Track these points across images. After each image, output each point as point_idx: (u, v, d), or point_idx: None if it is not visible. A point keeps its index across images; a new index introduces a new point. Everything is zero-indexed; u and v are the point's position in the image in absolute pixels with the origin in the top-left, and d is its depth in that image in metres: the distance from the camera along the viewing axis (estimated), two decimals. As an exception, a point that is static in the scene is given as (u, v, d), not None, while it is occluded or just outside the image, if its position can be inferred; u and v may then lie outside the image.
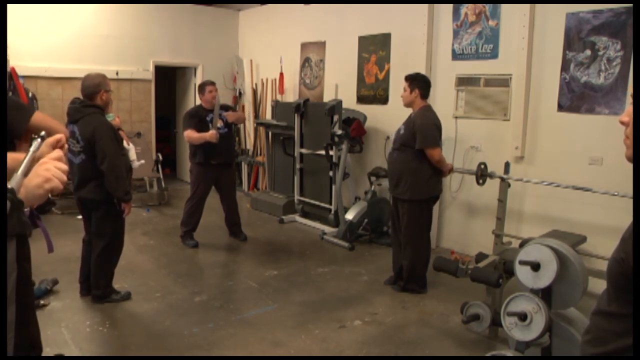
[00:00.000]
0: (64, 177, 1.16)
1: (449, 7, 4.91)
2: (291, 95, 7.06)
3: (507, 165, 4.14)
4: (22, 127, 2.25)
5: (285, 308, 3.60)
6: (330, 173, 5.44)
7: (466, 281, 3.14)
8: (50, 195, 2.42)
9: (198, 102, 5.07)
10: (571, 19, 4.03)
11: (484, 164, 4.18)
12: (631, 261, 0.97)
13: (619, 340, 1.02)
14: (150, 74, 7.36)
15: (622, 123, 1.09)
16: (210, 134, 4.60)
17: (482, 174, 4.14)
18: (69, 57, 6.42)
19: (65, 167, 1.17)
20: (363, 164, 5.89)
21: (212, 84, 4.87)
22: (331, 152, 5.31)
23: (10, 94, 5.47)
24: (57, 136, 1.26)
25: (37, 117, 2.35)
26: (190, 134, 4.68)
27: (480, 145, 4.76)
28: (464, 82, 4.82)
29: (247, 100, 7.89)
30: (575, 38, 4.02)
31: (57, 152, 1.20)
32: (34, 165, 1.15)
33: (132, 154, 3.86)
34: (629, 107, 1.08)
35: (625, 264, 0.99)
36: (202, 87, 4.89)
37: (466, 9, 4.77)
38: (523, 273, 2.41)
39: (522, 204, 4.47)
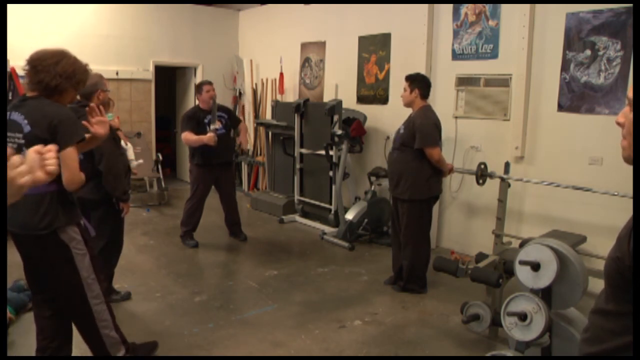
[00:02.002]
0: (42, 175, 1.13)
1: (449, 7, 4.91)
2: (291, 95, 7.06)
3: (507, 165, 4.14)
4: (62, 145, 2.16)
5: (285, 308, 3.60)
6: (330, 173, 5.44)
7: (466, 281, 3.14)
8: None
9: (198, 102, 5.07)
10: (571, 19, 4.03)
11: (484, 164, 4.18)
12: (627, 260, 0.97)
13: (617, 339, 1.02)
14: (150, 74, 7.36)
15: (618, 124, 1.09)
16: (208, 137, 4.58)
17: (482, 174, 4.14)
18: (69, 57, 6.42)
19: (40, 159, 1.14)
20: (363, 164, 5.89)
21: (210, 83, 4.86)
22: (331, 152, 5.31)
23: (10, 94, 5.47)
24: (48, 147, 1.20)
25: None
26: (187, 137, 4.67)
27: (480, 145, 4.76)
28: (464, 82, 4.82)
29: (247, 100, 7.89)
30: (575, 38, 4.02)
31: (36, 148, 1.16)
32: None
33: (130, 154, 3.86)
34: (625, 108, 1.08)
35: (621, 263, 0.99)
36: (199, 87, 4.88)
37: (466, 9, 4.77)
38: (523, 273, 2.41)
39: (522, 204, 4.47)
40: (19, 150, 2.14)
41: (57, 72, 2.19)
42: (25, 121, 2.15)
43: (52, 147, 1.19)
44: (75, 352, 2.88)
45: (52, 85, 2.19)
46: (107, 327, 2.44)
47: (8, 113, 2.23)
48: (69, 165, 2.17)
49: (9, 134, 2.19)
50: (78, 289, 2.33)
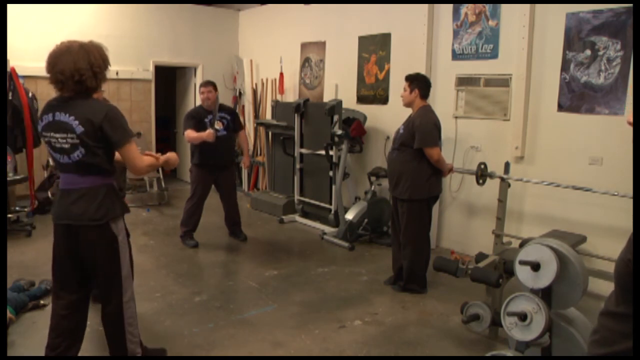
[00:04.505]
0: None
1: (449, 7, 4.91)
2: (291, 95, 7.06)
3: (507, 165, 4.14)
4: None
5: (285, 308, 3.60)
6: (330, 173, 5.44)
7: (466, 281, 3.14)
8: (50, 195, 2.44)
9: (198, 102, 5.08)
10: (571, 19, 4.03)
11: (484, 164, 4.18)
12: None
13: (627, 341, 1.01)
14: (150, 74, 7.36)
15: (630, 124, 1.09)
16: (207, 133, 4.59)
17: (482, 174, 4.15)
18: (69, 57, 6.42)
19: None
20: (363, 164, 5.89)
21: (206, 85, 4.85)
22: (331, 152, 5.31)
23: (10, 94, 5.47)
24: None
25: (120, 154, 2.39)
26: (189, 134, 4.68)
27: (480, 145, 4.76)
28: (464, 82, 4.82)
29: (247, 100, 7.89)
30: (575, 38, 4.02)
31: None
32: None
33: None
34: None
35: (632, 265, 0.99)
36: (199, 88, 4.94)
37: (466, 9, 4.77)
38: (523, 273, 2.42)
39: (522, 204, 4.47)
40: (74, 149, 2.23)
41: (95, 71, 2.29)
42: (76, 122, 2.22)
43: None
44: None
45: (98, 83, 2.33)
46: (132, 324, 2.50)
47: (50, 114, 2.27)
48: (132, 158, 2.33)
49: (57, 134, 2.24)
50: (116, 283, 2.40)
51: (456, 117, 4.90)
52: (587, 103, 3.99)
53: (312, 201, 5.89)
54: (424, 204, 3.81)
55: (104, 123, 2.23)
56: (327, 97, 6.31)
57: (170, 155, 2.62)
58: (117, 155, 2.41)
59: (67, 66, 2.22)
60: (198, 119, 4.75)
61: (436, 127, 3.76)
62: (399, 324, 3.41)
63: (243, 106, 7.99)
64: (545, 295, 2.39)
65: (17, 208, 5.56)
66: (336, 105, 5.25)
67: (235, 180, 5.38)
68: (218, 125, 4.75)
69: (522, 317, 2.32)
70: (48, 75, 2.28)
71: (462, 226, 4.99)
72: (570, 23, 4.03)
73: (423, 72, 4.67)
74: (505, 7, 4.47)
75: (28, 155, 5.71)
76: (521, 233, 4.28)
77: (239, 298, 3.85)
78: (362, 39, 5.88)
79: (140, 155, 2.40)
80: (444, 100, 4.94)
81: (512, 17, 4.41)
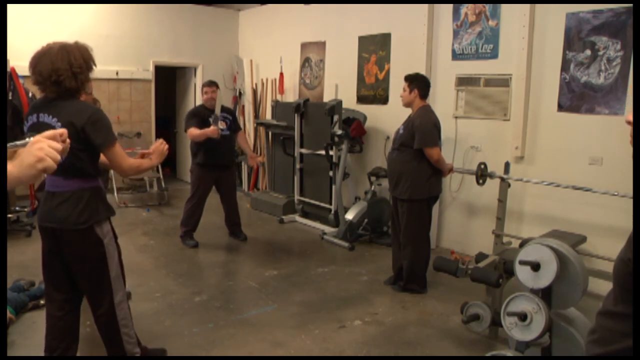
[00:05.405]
0: (58, 157, 1.13)
1: (449, 7, 4.91)
2: (291, 95, 7.06)
3: (507, 165, 4.14)
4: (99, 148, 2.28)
5: (285, 308, 3.60)
6: (330, 173, 5.44)
7: (466, 281, 3.14)
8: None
9: (198, 102, 5.08)
10: (571, 19, 4.03)
11: (484, 164, 4.18)
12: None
13: (625, 341, 1.01)
14: (150, 74, 7.36)
15: (629, 123, 1.09)
16: (212, 130, 4.59)
17: (482, 174, 4.15)
18: (69, 57, 6.42)
19: (59, 146, 1.14)
20: (363, 164, 5.89)
21: (209, 85, 4.86)
22: (331, 152, 5.32)
23: (10, 94, 5.47)
24: (60, 130, 1.24)
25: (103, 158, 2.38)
26: (192, 132, 4.68)
27: (480, 145, 4.76)
28: (464, 82, 4.82)
29: (247, 100, 7.89)
30: (575, 38, 4.02)
31: (51, 132, 1.17)
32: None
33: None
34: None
35: (632, 265, 0.99)
36: (202, 87, 4.94)
37: (466, 9, 4.77)
38: (523, 273, 2.42)
39: (522, 204, 4.47)
40: None
41: (75, 71, 2.23)
42: (59, 124, 2.19)
43: (63, 131, 1.24)
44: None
45: (79, 84, 2.26)
46: (126, 325, 2.49)
47: (34, 115, 2.25)
48: (117, 160, 2.29)
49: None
50: (106, 286, 2.38)
51: (456, 117, 4.90)
52: (587, 103, 3.99)
53: (312, 201, 5.89)
54: (424, 204, 3.81)
55: (86, 126, 2.19)
56: (327, 97, 6.31)
57: (154, 147, 2.48)
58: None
59: (45, 67, 2.18)
60: (201, 118, 4.76)
61: (436, 127, 3.76)
62: (399, 324, 3.41)
63: (243, 106, 7.99)
64: (545, 295, 2.40)
65: (17, 208, 5.56)
66: (336, 105, 5.25)
67: (235, 181, 5.38)
68: (222, 125, 4.76)
69: (522, 317, 2.32)
70: (31, 76, 2.25)
71: (462, 226, 4.99)
72: (570, 23, 4.03)
73: (423, 72, 4.67)
74: (505, 7, 4.47)
75: (28, 155, 5.70)
76: (521, 233, 4.27)
77: (239, 298, 3.85)
78: (362, 39, 5.88)
79: (126, 156, 2.35)
80: (444, 100, 4.94)
81: (512, 17, 4.41)
